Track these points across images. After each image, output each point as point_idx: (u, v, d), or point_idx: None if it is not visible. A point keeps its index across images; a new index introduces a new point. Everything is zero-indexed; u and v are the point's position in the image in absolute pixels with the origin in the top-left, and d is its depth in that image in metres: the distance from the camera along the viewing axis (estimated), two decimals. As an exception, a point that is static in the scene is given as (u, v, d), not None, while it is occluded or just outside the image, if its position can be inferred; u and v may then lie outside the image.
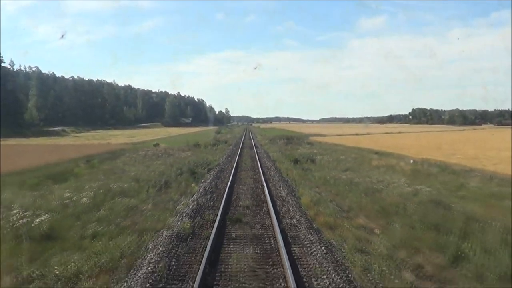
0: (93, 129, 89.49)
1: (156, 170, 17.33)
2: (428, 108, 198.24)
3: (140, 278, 5.06)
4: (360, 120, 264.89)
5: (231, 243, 6.76)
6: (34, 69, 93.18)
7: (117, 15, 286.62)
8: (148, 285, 4.88)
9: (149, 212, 9.37)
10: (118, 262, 5.97)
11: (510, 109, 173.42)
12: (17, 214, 9.41)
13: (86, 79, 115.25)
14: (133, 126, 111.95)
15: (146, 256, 6.00)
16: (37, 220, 8.88)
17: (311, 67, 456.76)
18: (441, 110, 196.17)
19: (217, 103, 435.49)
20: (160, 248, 6.26)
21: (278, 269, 5.56)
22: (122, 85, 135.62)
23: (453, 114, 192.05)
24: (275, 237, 6.98)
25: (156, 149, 33.84)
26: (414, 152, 32.44)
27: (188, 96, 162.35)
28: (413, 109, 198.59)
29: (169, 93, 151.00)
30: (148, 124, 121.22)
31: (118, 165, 21.89)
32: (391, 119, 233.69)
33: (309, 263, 5.84)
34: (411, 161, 25.52)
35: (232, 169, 16.52)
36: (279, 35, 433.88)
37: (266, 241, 6.89)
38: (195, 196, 10.66)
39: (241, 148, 32.25)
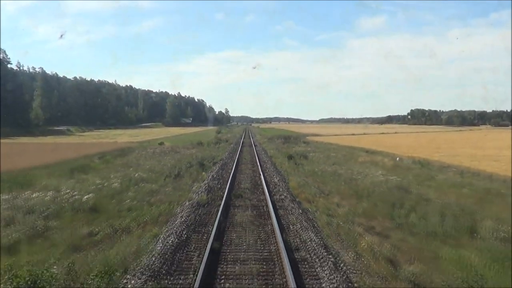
0: (96, 129, 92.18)
1: (168, 164, 20.04)
2: (427, 109, 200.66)
3: (177, 224, 7.78)
4: (359, 121, 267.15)
5: (236, 208, 9.55)
6: (38, 70, 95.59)
7: (117, 15, 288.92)
8: (184, 227, 7.59)
9: (170, 192, 12.07)
10: (157, 218, 8.67)
11: (509, 110, 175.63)
12: (68, 194, 12.12)
13: (88, 79, 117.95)
14: (134, 126, 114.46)
15: (177, 215, 8.73)
16: (85, 197, 11.59)
17: (311, 67, 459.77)
18: (440, 111, 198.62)
19: (217, 103, 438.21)
20: (187, 210, 9.00)
21: (268, 221, 8.32)
22: (123, 85, 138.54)
23: (451, 115, 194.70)
24: (266, 205, 9.73)
25: (162, 147, 36.55)
26: (403, 150, 35.05)
27: (188, 96, 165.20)
28: (411, 110, 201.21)
29: (170, 93, 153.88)
30: (149, 124, 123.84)
31: (132, 160, 24.57)
32: (390, 119, 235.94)
33: (289, 218, 8.60)
34: (397, 158, 28.17)
35: (234, 163, 19.30)
36: (279, 35, 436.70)
37: (260, 208, 9.66)
38: (205, 181, 13.42)
39: (241, 146, 35.02)
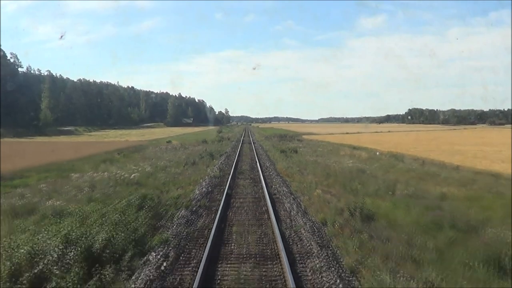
0: (101, 129, 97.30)
1: (182, 156, 25.06)
2: (424, 108, 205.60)
3: (203, 185, 12.86)
4: (358, 120, 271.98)
5: (239, 179, 14.84)
6: (46, 72, 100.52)
7: (117, 15, 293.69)
8: (208, 186, 12.69)
9: (191, 173, 17.10)
10: (189, 183, 13.70)
11: (505, 109, 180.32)
12: (117, 174, 17.10)
13: (91, 80, 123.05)
14: (137, 126, 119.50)
15: (202, 182, 13.79)
16: (132, 176, 16.57)
17: (311, 67, 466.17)
18: (437, 110, 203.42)
19: (217, 103, 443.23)
20: (207, 180, 14.07)
21: (259, 184, 13.51)
22: (125, 86, 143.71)
23: (449, 114, 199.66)
24: (259, 177, 14.80)
25: (171, 144, 41.52)
26: (386, 147, 40.05)
27: (189, 97, 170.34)
28: (409, 109, 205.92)
29: (170, 93, 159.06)
30: (152, 124, 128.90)
31: (149, 154, 29.55)
32: (388, 119, 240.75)
33: (273, 182, 13.77)
34: (377, 153, 33.17)
35: (236, 154, 24.39)
36: (279, 34, 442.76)
37: (255, 178, 14.82)
38: (216, 165, 18.51)
39: (241, 143, 40.11)
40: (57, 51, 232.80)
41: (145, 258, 6.12)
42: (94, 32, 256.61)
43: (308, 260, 6.21)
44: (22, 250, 5.72)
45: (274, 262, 6.21)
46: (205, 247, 6.65)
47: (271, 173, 16.10)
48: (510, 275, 6.01)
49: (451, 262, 6.72)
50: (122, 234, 6.44)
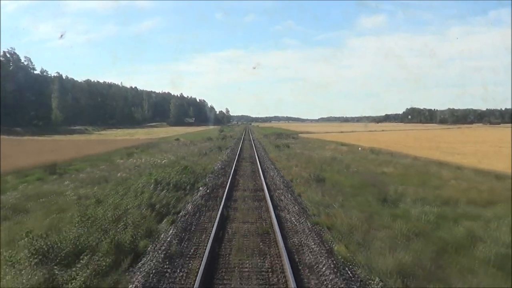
0: (107, 128, 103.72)
1: (195, 150, 31.39)
2: (424, 107, 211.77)
3: (217, 165, 19.30)
4: (358, 119, 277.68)
5: (242, 162, 21.16)
6: (55, 74, 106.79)
7: (117, 15, 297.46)
8: (221, 165, 19.11)
9: (206, 160, 23.48)
10: (207, 164, 20.11)
11: (503, 109, 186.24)
12: (150, 161, 23.47)
13: (95, 81, 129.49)
14: (141, 126, 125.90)
15: (217, 163, 20.23)
16: (162, 161, 22.94)
17: (311, 66, 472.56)
18: (434, 109, 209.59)
19: (217, 103, 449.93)
20: (219, 162, 20.50)
21: (256, 165, 19.90)
22: (127, 86, 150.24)
23: (446, 114, 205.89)
24: (256, 161, 21.26)
25: (179, 142, 47.82)
26: (370, 143, 46.20)
27: (190, 97, 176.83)
28: (407, 109, 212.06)
29: (172, 94, 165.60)
30: (155, 123, 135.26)
31: (164, 149, 35.81)
32: (387, 118, 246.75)
33: (265, 164, 20.23)
34: (359, 148, 39.44)
35: (238, 148, 30.85)
36: (279, 34, 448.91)
37: (253, 162, 21.32)
38: (224, 155, 24.94)
39: (242, 140, 46.53)
40: (57, 50, 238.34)
41: (198, 189, 12.54)
42: (94, 32, 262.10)
43: (278, 191, 12.68)
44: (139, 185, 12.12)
45: (260, 192, 12.58)
46: (225, 187, 13.07)
47: (264, 159, 22.56)
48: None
49: (358, 195, 12.97)
50: (185, 178, 12.85)
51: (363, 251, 6.99)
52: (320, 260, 6.51)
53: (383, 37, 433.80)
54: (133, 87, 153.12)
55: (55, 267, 5.88)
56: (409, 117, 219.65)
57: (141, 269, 6.16)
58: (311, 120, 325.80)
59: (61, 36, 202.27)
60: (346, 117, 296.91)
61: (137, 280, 5.74)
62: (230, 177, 15.27)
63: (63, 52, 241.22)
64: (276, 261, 6.51)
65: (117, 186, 14.14)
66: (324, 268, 6.19)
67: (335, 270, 6.12)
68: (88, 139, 61.27)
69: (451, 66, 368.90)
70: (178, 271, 6.16)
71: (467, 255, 7.32)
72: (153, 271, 6.07)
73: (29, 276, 5.62)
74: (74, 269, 5.80)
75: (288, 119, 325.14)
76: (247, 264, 6.48)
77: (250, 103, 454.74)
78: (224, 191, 12.36)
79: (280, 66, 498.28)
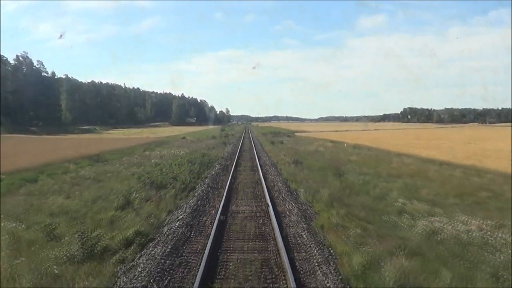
0: (113, 128, 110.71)
1: (203, 145, 38.37)
2: (424, 107, 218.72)
3: (225, 154, 26.43)
4: (357, 119, 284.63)
5: (243, 152, 28.24)
6: (64, 76, 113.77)
7: (117, 15, 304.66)
8: (228, 153, 26.18)
9: (215, 152, 30.51)
10: (218, 153, 27.13)
11: (499, 108, 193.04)
12: (171, 153, 30.47)
13: (99, 82, 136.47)
14: (145, 125, 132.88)
15: (224, 153, 27.29)
16: (181, 153, 29.96)
17: (311, 66, 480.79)
18: (431, 109, 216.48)
19: (217, 102, 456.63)
20: (226, 153, 27.58)
21: (253, 154, 26.92)
22: (130, 87, 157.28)
23: (443, 113, 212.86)
24: (254, 152, 28.32)
25: (186, 139, 54.73)
26: (356, 141, 53.10)
27: (191, 97, 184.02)
28: (404, 109, 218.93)
29: (174, 94, 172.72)
30: (158, 123, 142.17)
31: (176, 145, 42.75)
32: (385, 118, 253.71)
33: (261, 154, 27.35)
34: (345, 144, 46.35)
35: (240, 144, 37.91)
36: (279, 34, 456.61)
37: (252, 152, 28.30)
38: (229, 148, 32.01)
39: (243, 138, 53.59)
40: (57, 50, 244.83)
41: (215, 166, 19.62)
42: (94, 32, 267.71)
43: (266, 167, 19.90)
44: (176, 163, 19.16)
45: (255, 167, 19.60)
46: (232, 165, 20.13)
47: (260, 151, 29.64)
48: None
49: (321, 170, 19.87)
50: (205, 160, 19.89)
51: (304, 185, 14.00)
52: (281, 187, 13.63)
53: (383, 37, 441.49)
54: (135, 87, 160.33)
55: (155, 189, 12.86)
56: (409, 116, 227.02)
57: (196, 193, 13.20)
58: (311, 120, 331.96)
59: (61, 36, 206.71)
60: (345, 116, 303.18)
61: (196, 194, 12.76)
62: (235, 160, 22.33)
63: (63, 52, 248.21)
64: (261, 190, 13.46)
65: (156, 167, 21.04)
66: (282, 189, 13.24)
67: (286, 189, 13.13)
68: (102, 137, 68.20)
69: (451, 66, 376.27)
70: (212, 194, 13.15)
71: (364, 193, 14.21)
72: (203, 193, 13.07)
73: (143, 193, 12.53)
74: (164, 190, 12.76)
75: (288, 119, 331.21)
76: (248, 191, 13.47)
77: (250, 103, 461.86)
78: (232, 167, 19.39)
79: (280, 66, 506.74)
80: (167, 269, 6.38)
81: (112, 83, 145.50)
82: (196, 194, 12.91)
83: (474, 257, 7.15)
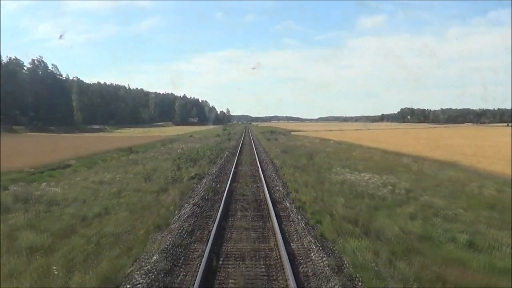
0: (120, 127, 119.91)
1: (211, 141, 47.71)
2: (416, 108, 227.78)
3: (231, 146, 36.01)
4: (356, 119, 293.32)
5: (244, 146, 37.72)
6: (74, 78, 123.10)
7: (117, 15, 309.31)
8: (233, 145, 35.64)
9: (222, 145, 39.92)
10: (226, 146, 36.57)
11: (495, 109, 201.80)
12: (189, 146, 39.87)
13: (103, 83, 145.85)
14: (149, 125, 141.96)
15: (230, 146, 36.76)
16: (196, 146, 39.32)
17: (311, 67, 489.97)
18: (428, 109, 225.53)
19: (217, 102, 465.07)
20: (231, 147, 37.04)
21: (253, 148, 36.24)
22: (133, 87, 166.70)
23: (446, 113, 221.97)
24: (253, 146, 37.80)
25: (194, 137, 64.05)
26: (343, 139, 62.42)
27: (193, 97, 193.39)
28: (401, 109, 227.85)
29: (176, 94, 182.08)
30: (162, 123, 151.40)
31: (187, 141, 52.11)
32: (383, 118, 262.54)
33: (257, 147, 36.81)
34: (331, 141, 55.75)
35: (241, 140, 47.31)
36: (279, 34, 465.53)
37: (251, 146, 37.88)
38: (233, 142, 41.45)
39: (243, 136, 63.02)
40: (57, 50, 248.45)
41: (225, 153, 29.04)
42: (94, 32, 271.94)
43: (261, 153, 29.51)
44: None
45: (254, 155, 28.91)
46: (237, 152, 29.50)
47: (257, 145, 39.11)
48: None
49: (301, 156, 29.16)
50: (219, 149, 29.29)
51: (282, 161, 23.44)
52: (268, 162, 23.12)
53: (383, 37, 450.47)
54: (139, 88, 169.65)
55: (193, 162, 22.23)
56: (409, 117, 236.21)
57: (219, 163, 22.64)
58: (311, 120, 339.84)
59: (61, 36, 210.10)
60: (345, 117, 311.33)
61: (219, 164, 22.23)
62: (238, 150, 31.71)
63: (63, 52, 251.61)
64: (256, 166, 22.76)
65: (182, 155, 30.29)
66: (268, 163, 22.65)
67: (271, 162, 22.53)
68: (117, 136, 77.50)
69: (451, 66, 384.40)
70: (228, 163, 22.50)
71: (318, 166, 23.45)
72: (223, 163, 22.46)
73: (187, 164, 21.81)
74: (199, 162, 22.16)
75: (288, 119, 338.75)
76: (248, 164, 22.81)
77: (250, 103, 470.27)
78: (237, 153, 28.78)
79: (280, 66, 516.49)
80: (215, 182, 15.75)
81: (116, 83, 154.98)
82: (219, 164, 22.51)
83: (359, 190, 16.27)
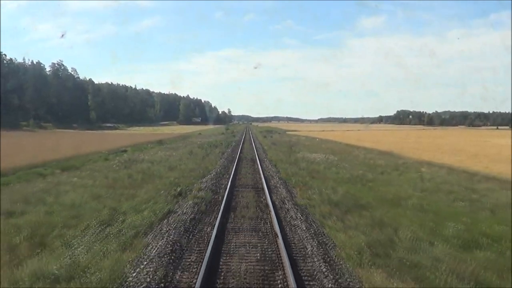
0: (129, 126, 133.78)
1: (219, 138, 61.83)
2: (412, 110, 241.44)
3: (235, 140, 50.34)
4: (355, 121, 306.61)
5: (245, 143, 51.84)
6: (88, 79, 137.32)
7: (117, 14, 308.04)
8: (236, 140, 49.89)
9: (228, 139, 54.08)
10: (231, 141, 50.75)
11: (490, 112, 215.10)
12: (203, 141, 54.01)
13: (112, 83, 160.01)
14: (156, 124, 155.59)
15: (235, 139, 51.00)
16: (210, 140, 53.49)
17: (311, 66, 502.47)
18: (423, 112, 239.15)
19: (217, 102, 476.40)
20: (234, 142, 51.34)
21: (252, 144, 50.35)
22: (139, 88, 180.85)
23: (432, 116, 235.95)
24: (252, 141, 51.90)
25: (203, 135, 78.10)
26: (327, 137, 76.45)
27: (196, 98, 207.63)
28: (397, 111, 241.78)
29: (179, 95, 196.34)
30: (167, 122, 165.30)
31: (199, 138, 66.15)
32: (381, 119, 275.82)
33: (256, 142, 51.07)
34: (317, 139, 69.89)
35: (243, 137, 61.57)
36: (279, 34, 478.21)
37: (251, 142, 52.01)
38: (237, 138, 55.66)
39: (244, 134, 77.22)
40: (57, 50, 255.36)
41: (231, 146, 43.29)
42: (94, 31, 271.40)
43: (258, 145, 43.74)
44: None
45: (253, 148, 42.93)
46: (240, 146, 43.76)
47: (256, 141, 53.30)
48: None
49: (285, 148, 43.15)
50: (227, 143, 43.54)
51: (271, 149, 37.64)
52: (261, 150, 37.40)
53: (383, 37, 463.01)
54: (145, 88, 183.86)
55: (213, 148, 36.35)
56: (409, 117, 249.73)
57: (229, 148, 36.87)
58: (310, 121, 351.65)
59: (62, 36, 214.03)
60: (345, 118, 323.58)
61: (231, 147, 36.48)
62: (241, 144, 45.94)
63: (63, 52, 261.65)
64: (253, 152, 36.78)
65: (203, 145, 44.26)
66: (261, 150, 36.80)
67: (263, 151, 36.67)
68: (134, 133, 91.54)
69: (451, 66, 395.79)
70: (236, 147, 36.62)
71: (294, 153, 37.42)
72: (232, 149, 36.63)
73: (209, 149, 35.82)
74: (218, 147, 36.28)
75: (288, 119, 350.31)
76: (248, 152, 36.89)
77: (250, 103, 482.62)
78: (240, 144, 42.94)
79: (280, 66, 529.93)
80: (231, 154, 29.92)
81: (122, 84, 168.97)
82: (230, 147, 37.11)
83: (306, 159, 30.04)
